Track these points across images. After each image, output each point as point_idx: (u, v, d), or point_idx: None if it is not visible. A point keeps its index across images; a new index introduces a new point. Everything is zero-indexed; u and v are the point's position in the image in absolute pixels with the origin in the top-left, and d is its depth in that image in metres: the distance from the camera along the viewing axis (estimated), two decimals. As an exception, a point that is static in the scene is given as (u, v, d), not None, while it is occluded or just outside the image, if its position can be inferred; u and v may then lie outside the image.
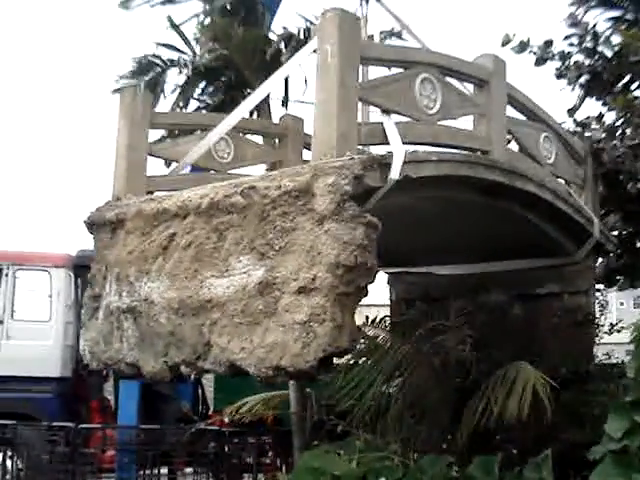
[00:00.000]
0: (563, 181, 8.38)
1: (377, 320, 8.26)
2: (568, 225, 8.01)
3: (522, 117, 7.82)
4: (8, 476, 9.18)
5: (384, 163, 5.73)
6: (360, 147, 6.02)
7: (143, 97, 7.53)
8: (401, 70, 6.52)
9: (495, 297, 8.27)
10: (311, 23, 8.80)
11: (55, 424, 9.02)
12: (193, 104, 11.29)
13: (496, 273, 8.30)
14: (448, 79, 6.78)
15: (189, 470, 10.21)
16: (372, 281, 5.51)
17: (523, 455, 6.77)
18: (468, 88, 7.09)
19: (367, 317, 8.35)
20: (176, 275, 6.16)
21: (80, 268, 10.94)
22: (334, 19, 5.79)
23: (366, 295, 5.58)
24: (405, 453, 6.78)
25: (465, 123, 7.21)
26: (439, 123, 6.65)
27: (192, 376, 11.72)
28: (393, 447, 6.64)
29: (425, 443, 7.29)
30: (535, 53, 9.89)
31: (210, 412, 12.04)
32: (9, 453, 9.25)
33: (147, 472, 9.09)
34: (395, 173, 5.71)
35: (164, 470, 9.60)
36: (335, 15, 5.80)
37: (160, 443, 9.01)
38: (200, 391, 12.28)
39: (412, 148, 6.42)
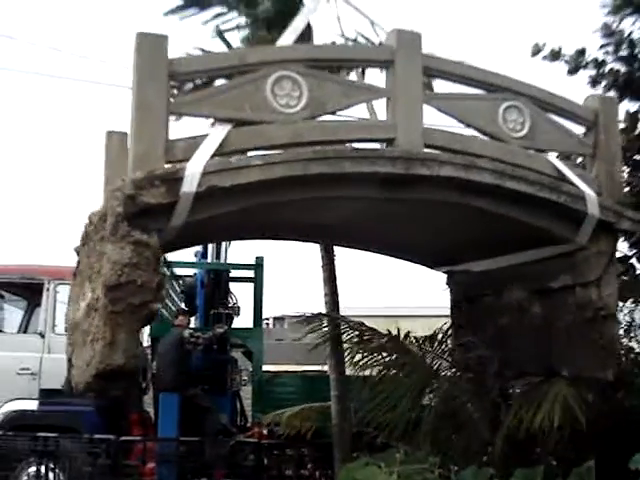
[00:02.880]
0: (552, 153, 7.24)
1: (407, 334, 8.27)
2: (542, 207, 6.88)
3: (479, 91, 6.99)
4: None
5: (173, 178, 5.72)
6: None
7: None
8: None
9: (517, 294, 7.65)
10: (355, 39, 8.73)
11: (96, 436, 9.10)
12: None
13: (513, 267, 7.63)
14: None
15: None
16: (150, 298, 5.63)
17: (564, 466, 6.72)
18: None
19: (398, 329, 8.32)
20: (76, 297, 6.39)
21: None
22: (135, 42, 5.90)
23: (150, 312, 5.70)
24: (444, 465, 6.76)
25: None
26: (320, 119, 6.39)
27: (231, 388, 11.94)
28: (433, 459, 6.60)
29: (464, 455, 7.26)
30: (567, 62, 9.84)
31: (248, 424, 12.13)
32: (51, 465, 9.33)
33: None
34: (189, 186, 5.68)
35: (203, 482, 9.63)
36: (136, 38, 5.91)
37: (200, 455, 9.05)
38: (238, 403, 12.34)
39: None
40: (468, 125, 6.94)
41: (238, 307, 13.07)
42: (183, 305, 13.00)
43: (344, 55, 6.78)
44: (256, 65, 6.25)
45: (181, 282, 13.42)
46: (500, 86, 6.95)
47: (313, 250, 9.46)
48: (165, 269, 12.03)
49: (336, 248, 9.49)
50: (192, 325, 12.08)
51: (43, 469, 9.23)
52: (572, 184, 6.93)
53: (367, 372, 8.12)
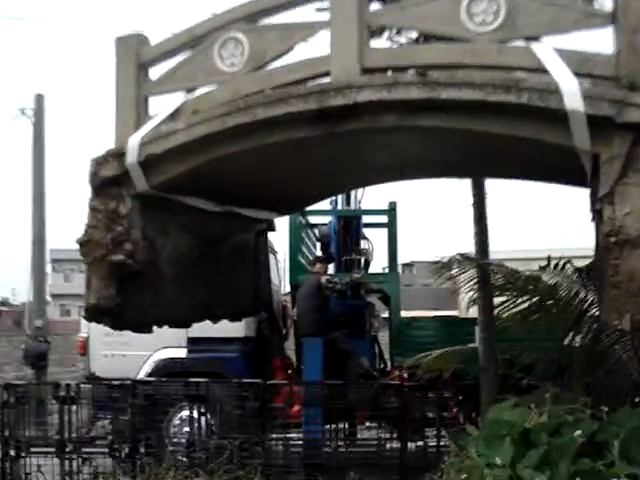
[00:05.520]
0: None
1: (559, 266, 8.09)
2: (517, 112, 5.62)
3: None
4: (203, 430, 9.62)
5: (121, 153, 6.82)
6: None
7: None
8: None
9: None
10: None
11: (245, 381, 9.39)
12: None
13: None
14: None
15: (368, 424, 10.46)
16: (105, 252, 6.88)
17: None
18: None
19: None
20: None
21: None
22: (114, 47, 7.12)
23: (112, 263, 6.86)
24: (595, 406, 6.65)
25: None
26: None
27: (370, 333, 12.09)
28: (583, 399, 6.51)
29: (615, 396, 7.12)
30: None
31: (388, 368, 12.27)
32: (202, 410, 9.69)
33: (333, 426, 9.32)
34: (131, 157, 6.73)
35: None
36: (114, 43, 7.11)
37: (344, 398, 9.20)
38: (377, 348, 12.49)
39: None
40: (423, 34, 6.54)
41: (371, 252, 13.14)
42: (320, 252, 13.20)
43: (269, 4, 6.65)
44: (204, 36, 6.76)
45: (317, 230, 13.58)
46: None
47: (443, 194, 9.26)
48: (301, 218, 12.22)
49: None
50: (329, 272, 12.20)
51: (195, 413, 9.58)
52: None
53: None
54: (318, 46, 6.51)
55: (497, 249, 9.16)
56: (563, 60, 5.54)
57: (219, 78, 6.72)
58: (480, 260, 8.58)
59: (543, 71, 5.56)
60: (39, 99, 20.28)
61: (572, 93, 5.36)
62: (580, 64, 5.61)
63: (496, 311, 8.54)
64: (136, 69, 7.03)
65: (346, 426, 9.63)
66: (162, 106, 7.15)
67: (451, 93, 5.64)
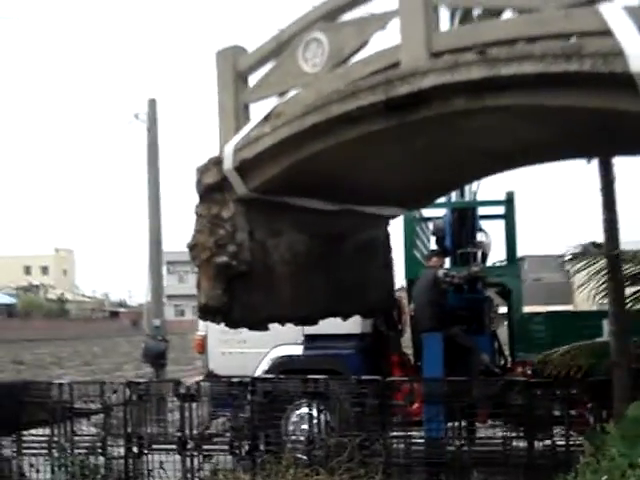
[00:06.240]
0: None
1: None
2: (584, 82, 5.26)
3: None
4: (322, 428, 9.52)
5: (219, 160, 7.11)
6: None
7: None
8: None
9: None
10: None
11: (364, 378, 9.23)
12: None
13: None
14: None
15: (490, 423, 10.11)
16: (209, 255, 7.20)
17: None
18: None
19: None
20: None
21: None
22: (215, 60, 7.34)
23: (218, 265, 7.15)
24: None
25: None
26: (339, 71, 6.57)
27: (489, 328, 11.73)
28: None
29: None
30: None
31: (508, 364, 11.89)
32: (321, 407, 9.60)
33: (455, 424, 9.04)
34: (227, 164, 7.01)
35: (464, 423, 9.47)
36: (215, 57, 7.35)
37: (467, 395, 8.91)
38: (497, 343, 12.11)
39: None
40: (488, 9, 6.35)
41: (488, 245, 12.75)
42: (434, 246, 12.91)
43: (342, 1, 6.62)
44: (289, 40, 6.86)
45: (431, 224, 13.28)
46: None
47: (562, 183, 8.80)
48: (415, 212, 11.97)
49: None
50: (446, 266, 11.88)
51: (313, 410, 9.48)
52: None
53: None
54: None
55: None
56: (632, 18, 5.10)
57: (304, 80, 6.81)
58: (610, 250, 8.11)
59: (611, 34, 5.14)
60: (152, 104, 20.70)
61: (637, 54, 4.91)
62: None
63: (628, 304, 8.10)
64: (234, 78, 7.28)
65: (468, 424, 9.29)
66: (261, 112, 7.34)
67: (511, 69, 5.41)
